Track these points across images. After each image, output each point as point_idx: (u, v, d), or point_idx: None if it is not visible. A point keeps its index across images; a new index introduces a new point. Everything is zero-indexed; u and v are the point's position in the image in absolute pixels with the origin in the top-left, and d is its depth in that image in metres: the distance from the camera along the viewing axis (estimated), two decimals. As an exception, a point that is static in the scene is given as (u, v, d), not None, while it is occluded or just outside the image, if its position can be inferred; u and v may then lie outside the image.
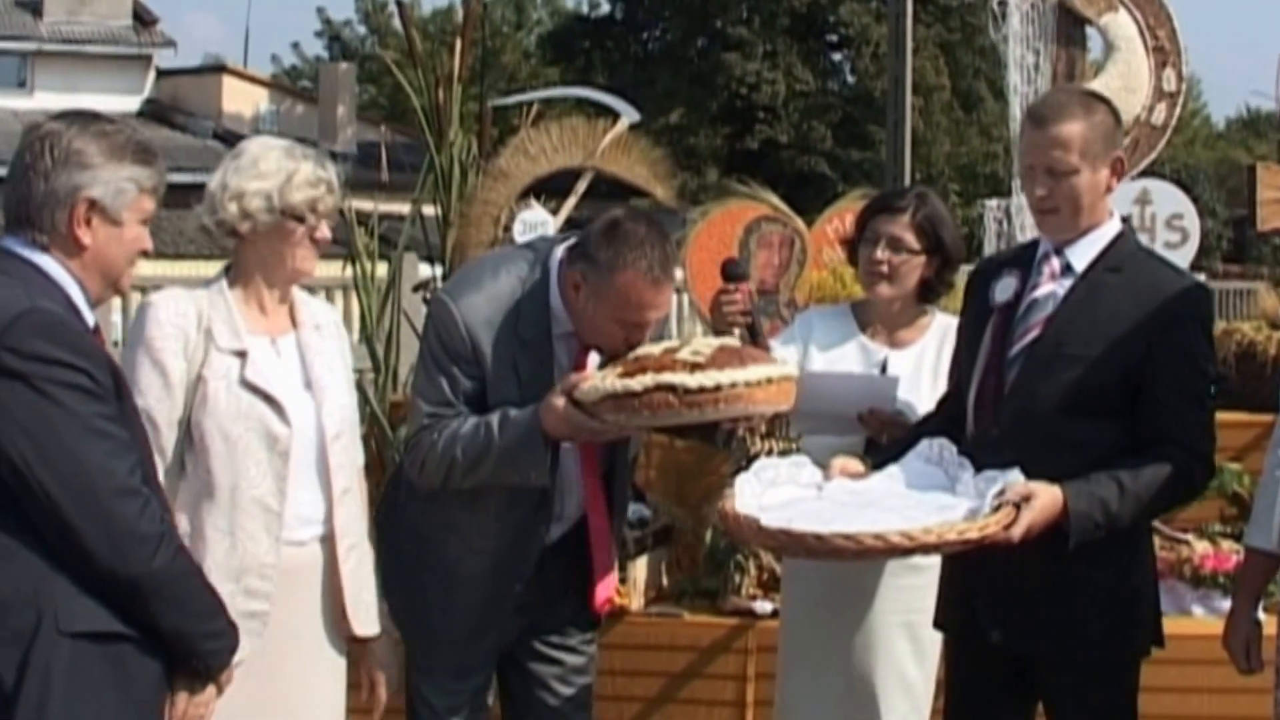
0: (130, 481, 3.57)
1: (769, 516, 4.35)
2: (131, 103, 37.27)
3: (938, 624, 4.92)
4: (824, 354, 5.28)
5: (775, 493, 4.52)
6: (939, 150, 40.44)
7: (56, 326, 3.55)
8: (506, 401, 4.64)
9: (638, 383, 4.41)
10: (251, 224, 4.34)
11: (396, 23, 41.66)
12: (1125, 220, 4.81)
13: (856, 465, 4.71)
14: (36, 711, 3.52)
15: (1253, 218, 8.10)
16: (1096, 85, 7.84)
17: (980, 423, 4.63)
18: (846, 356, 5.28)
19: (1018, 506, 4.25)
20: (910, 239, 5.16)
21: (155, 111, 37.02)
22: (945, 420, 4.78)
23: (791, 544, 4.35)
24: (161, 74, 38.95)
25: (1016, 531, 4.23)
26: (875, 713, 5.24)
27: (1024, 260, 4.74)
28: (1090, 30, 8.28)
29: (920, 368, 5.23)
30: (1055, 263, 4.61)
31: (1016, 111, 8.23)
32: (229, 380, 4.28)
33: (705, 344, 4.59)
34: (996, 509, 4.25)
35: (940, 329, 5.28)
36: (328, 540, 4.45)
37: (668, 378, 4.39)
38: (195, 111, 36.76)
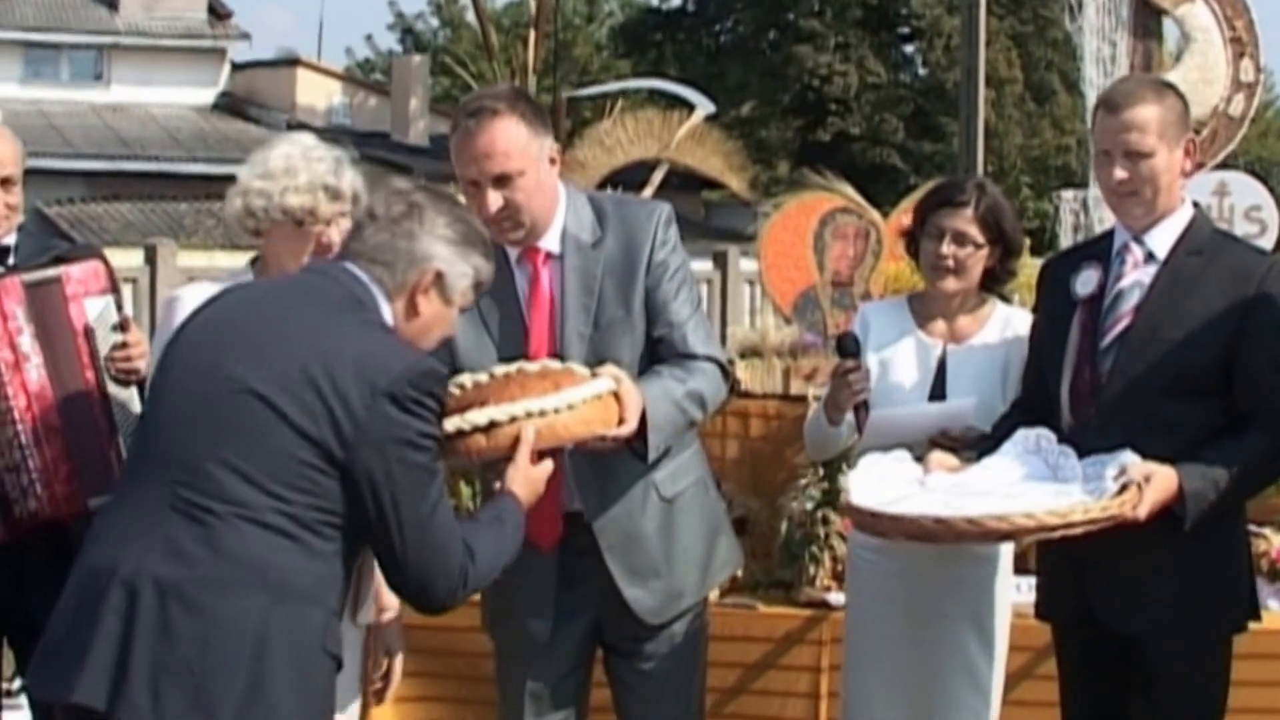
0: (459, 543, 3.80)
1: (891, 508, 4.43)
2: (206, 96, 37.48)
3: (1041, 614, 4.97)
4: (878, 353, 5.24)
5: (885, 489, 4.56)
6: (1011, 143, 40.24)
7: (439, 379, 3.82)
8: (478, 340, 4.61)
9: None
10: (255, 222, 4.41)
11: (469, 16, 41.81)
12: (1196, 205, 4.83)
13: (952, 460, 4.75)
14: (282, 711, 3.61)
15: (1325, 211, 8.05)
16: (1173, 76, 7.79)
17: (1078, 414, 4.69)
18: (901, 354, 5.25)
19: (1140, 486, 4.33)
20: (975, 232, 5.14)
21: (229, 104, 37.23)
22: (1028, 417, 4.80)
23: (915, 530, 4.41)
24: (236, 67, 39.09)
25: (1142, 510, 4.32)
26: (944, 707, 5.24)
27: (1101, 252, 4.81)
28: (1166, 21, 8.23)
29: (982, 359, 5.21)
30: (1137, 251, 4.68)
31: (1092, 101, 8.19)
32: None
33: (502, 371, 4.30)
34: (1121, 489, 4.32)
35: (1001, 319, 5.26)
36: None
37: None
38: (269, 104, 36.90)
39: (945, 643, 5.21)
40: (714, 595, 6.46)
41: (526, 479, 4.07)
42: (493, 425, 4.08)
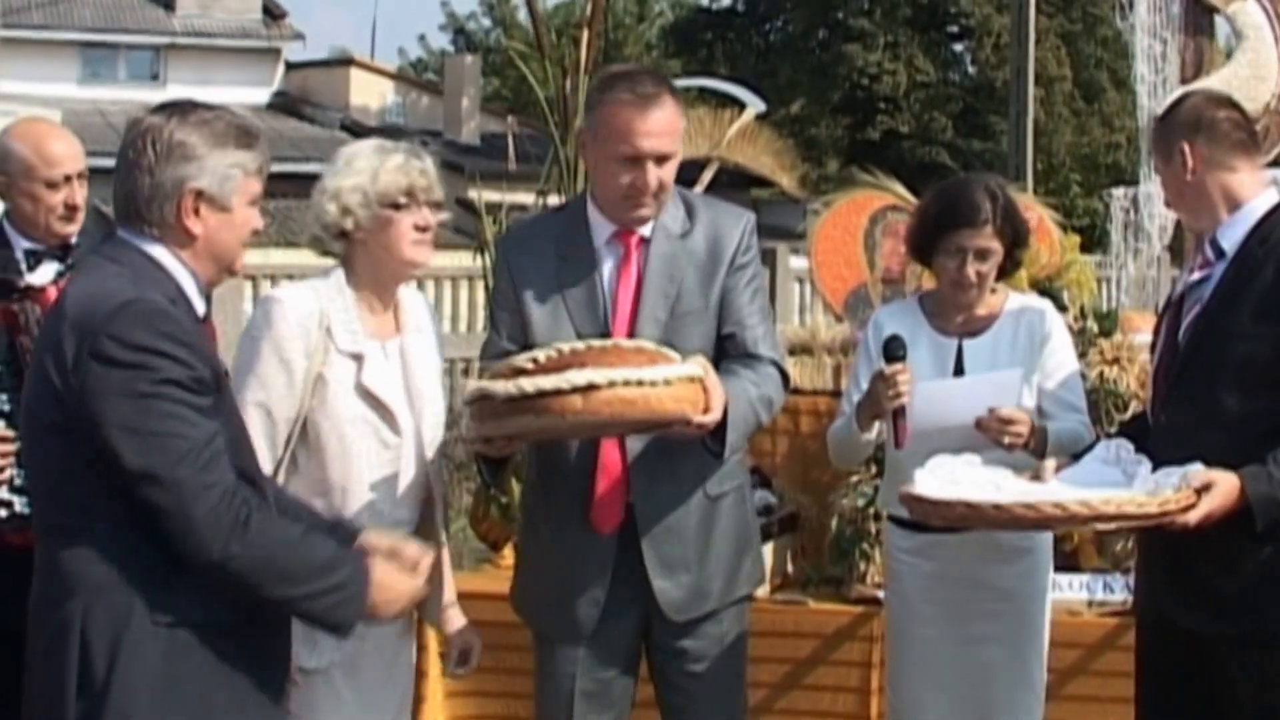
0: (218, 473, 3.59)
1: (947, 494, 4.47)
2: (261, 95, 37.61)
3: (1134, 613, 5.06)
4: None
5: (954, 490, 4.55)
6: (1060, 141, 40.06)
7: (158, 317, 3.57)
8: (552, 318, 4.68)
9: (468, 393, 4.34)
10: (353, 219, 4.38)
11: (520, 15, 41.87)
12: None
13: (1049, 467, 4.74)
14: (123, 708, 3.57)
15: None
16: (1225, 74, 7.79)
17: (1156, 411, 4.73)
18: (918, 354, 5.19)
19: (1199, 493, 4.30)
20: (995, 245, 5.16)
21: (284, 103, 37.35)
22: (1143, 421, 4.86)
23: (971, 515, 4.44)
24: (290, 67, 39.25)
25: (1194, 516, 4.31)
26: (997, 706, 5.24)
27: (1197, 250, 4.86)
28: (1218, 19, 8.19)
29: (997, 349, 5.21)
30: (1208, 249, 4.70)
31: (1144, 100, 8.17)
32: (346, 384, 4.32)
33: (585, 345, 4.35)
34: (1178, 491, 4.31)
35: (1016, 308, 5.28)
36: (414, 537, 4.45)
37: (487, 385, 4.26)
38: (323, 103, 37.03)
39: (991, 642, 5.21)
40: (764, 591, 6.48)
41: (389, 579, 3.89)
42: (591, 387, 4.10)
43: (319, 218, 4.40)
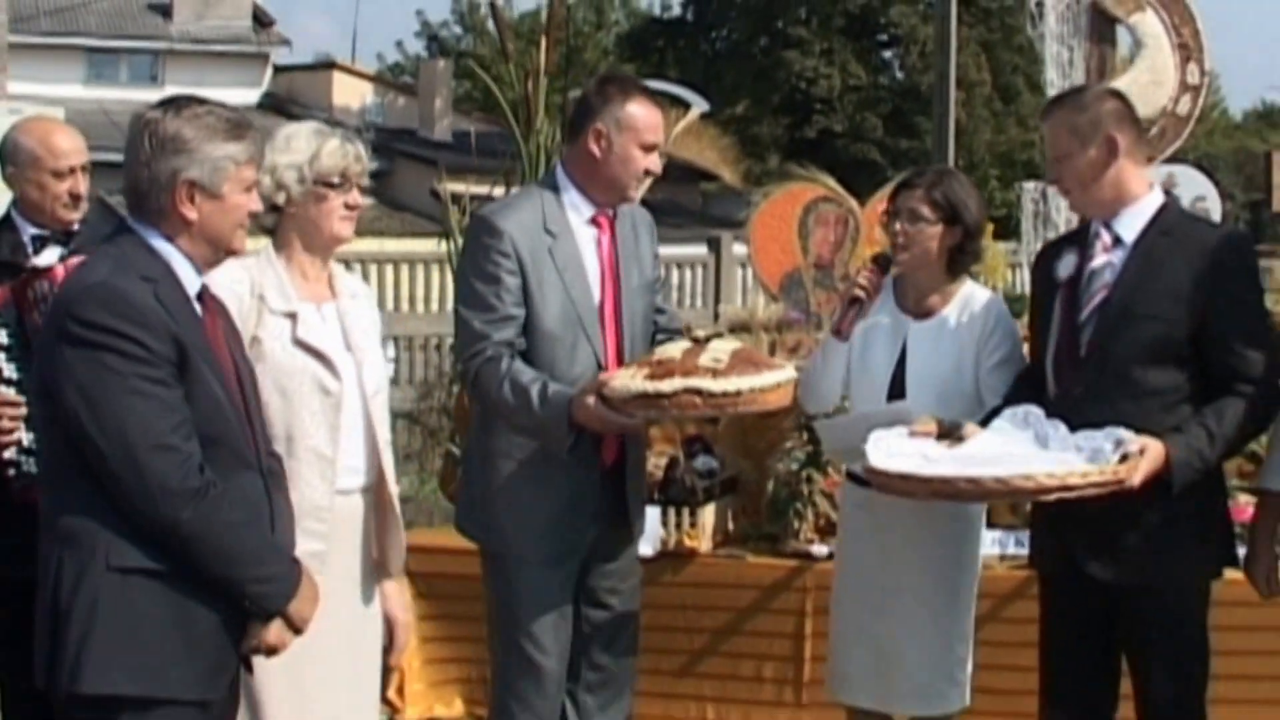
0: (169, 439, 3.58)
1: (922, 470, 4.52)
2: (251, 96, 37.33)
3: (1033, 564, 5.09)
4: (862, 322, 5.25)
5: (898, 463, 4.58)
6: (980, 140, 40.11)
7: (116, 299, 3.58)
8: (551, 290, 4.85)
9: (668, 385, 4.57)
10: (285, 194, 4.36)
11: (490, 24, 41.64)
12: (1168, 193, 4.90)
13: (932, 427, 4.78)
14: (80, 639, 3.58)
15: (1269, 200, 8.06)
16: (1126, 79, 7.80)
17: (1061, 382, 4.74)
18: (879, 326, 5.24)
19: (1136, 457, 4.39)
20: (925, 210, 5.12)
21: (272, 104, 37.06)
22: (1028, 389, 4.85)
23: (946, 489, 4.47)
24: (278, 70, 39.02)
25: (1137, 479, 4.38)
26: (918, 645, 5.24)
27: (1080, 239, 4.90)
28: (1120, 28, 8.20)
29: (939, 338, 5.18)
30: (1105, 236, 4.75)
31: (1052, 101, 8.18)
32: (283, 340, 4.29)
33: (722, 349, 4.73)
34: (1122, 459, 4.38)
35: (964, 298, 5.23)
36: (369, 490, 4.46)
37: (695, 382, 4.56)
38: (308, 104, 36.71)
39: (923, 579, 5.20)
40: (707, 547, 6.50)
41: (310, 589, 3.88)
42: (754, 391, 4.64)
43: (262, 188, 4.30)
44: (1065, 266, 4.83)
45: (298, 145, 4.39)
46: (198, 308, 3.79)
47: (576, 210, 4.96)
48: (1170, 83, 7.93)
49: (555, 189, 4.97)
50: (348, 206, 4.43)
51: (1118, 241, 4.72)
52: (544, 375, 4.78)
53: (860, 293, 5.13)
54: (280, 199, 4.37)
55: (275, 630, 3.81)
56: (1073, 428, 4.54)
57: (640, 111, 4.89)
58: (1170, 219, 4.73)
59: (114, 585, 3.59)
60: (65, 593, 3.60)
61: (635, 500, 5.12)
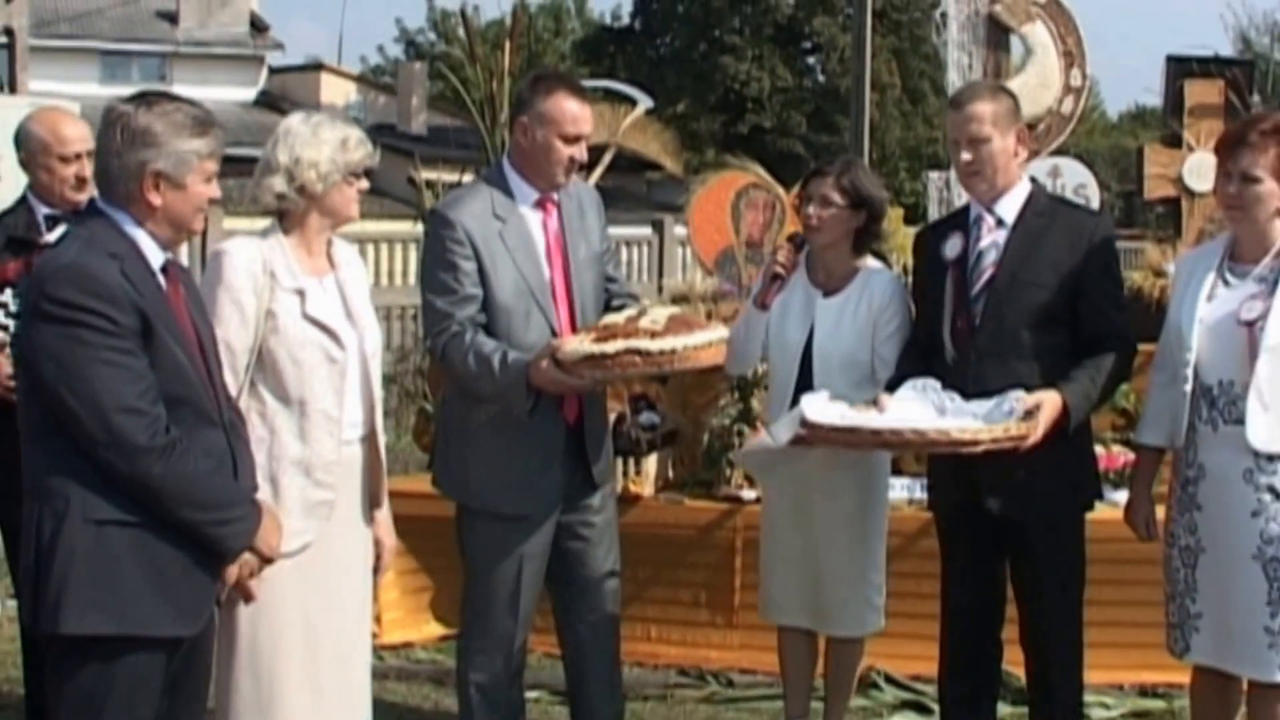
0: (136, 403, 3.54)
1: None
2: (248, 94, 37.18)
3: (932, 506, 5.13)
4: (780, 295, 5.26)
5: (838, 419, 4.64)
6: (891, 136, 40.17)
7: (84, 278, 3.53)
8: (503, 268, 4.81)
9: (611, 347, 4.54)
10: (324, 184, 4.29)
11: (461, 31, 41.45)
12: (1034, 180, 5.02)
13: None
14: (60, 585, 3.54)
15: (1140, 188, 8.09)
16: (1018, 81, 7.81)
17: (959, 349, 4.77)
18: (796, 299, 5.25)
19: (1032, 413, 4.48)
20: (835, 196, 5.12)
21: (267, 101, 36.89)
22: (920, 360, 4.87)
23: (895, 440, 4.56)
24: (272, 71, 38.83)
25: (1038, 433, 4.48)
26: (839, 574, 5.27)
27: (961, 222, 4.94)
28: (1013, 37, 8.22)
29: (842, 313, 5.18)
30: (989, 219, 4.81)
31: (952, 104, 8.18)
32: (294, 315, 4.24)
33: (660, 314, 4.72)
34: (1025, 416, 4.47)
35: (864, 276, 5.22)
36: (366, 439, 4.44)
37: (635, 343, 4.53)
38: (299, 101, 36.33)
39: (839, 520, 5.23)
40: (649, 491, 6.51)
41: (271, 523, 3.90)
42: (688, 349, 4.56)
43: (294, 181, 4.27)
44: (951, 248, 4.85)
45: (325, 137, 4.31)
46: (162, 281, 3.73)
47: (522, 195, 4.89)
48: (1056, 85, 7.94)
49: (503, 178, 4.92)
50: (360, 191, 4.40)
51: (1000, 223, 4.78)
52: (504, 345, 4.74)
53: (779, 269, 5.15)
54: (319, 189, 4.29)
55: (239, 567, 3.82)
56: (971, 389, 4.61)
57: (560, 106, 4.78)
58: (1040, 202, 4.84)
59: (90, 536, 3.55)
60: (45, 543, 3.55)
61: (596, 453, 5.03)
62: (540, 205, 4.93)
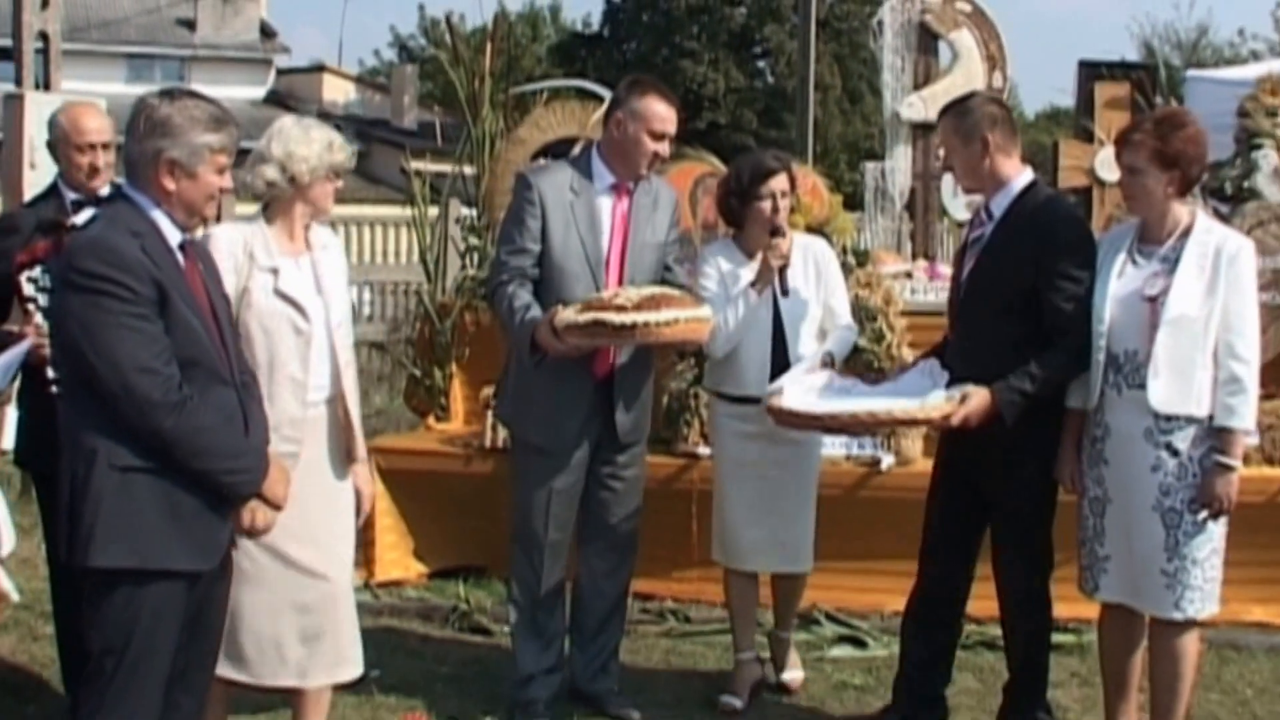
0: (151, 363, 3.53)
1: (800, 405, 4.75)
2: (258, 93, 36.97)
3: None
4: (729, 276, 5.27)
5: (810, 397, 4.83)
6: (833, 131, 40.20)
7: (107, 251, 3.54)
8: (567, 234, 4.95)
9: (583, 318, 4.64)
10: (311, 177, 4.31)
11: (448, 36, 41.25)
12: (1037, 179, 4.88)
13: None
14: (90, 524, 3.55)
15: (1055, 180, 8.07)
16: (945, 83, 7.84)
17: (953, 330, 4.90)
18: (742, 278, 5.24)
19: (960, 402, 4.55)
20: (789, 187, 5.25)
21: (275, 99, 36.67)
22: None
23: (815, 424, 4.76)
24: (280, 72, 38.63)
25: (955, 419, 4.54)
26: (792, 514, 5.32)
27: (976, 216, 4.93)
28: (941, 43, 8.20)
29: (799, 274, 5.27)
30: (983, 213, 4.82)
31: (888, 100, 8.20)
32: (266, 290, 4.26)
33: (637, 293, 4.74)
34: (963, 400, 4.57)
35: (802, 245, 5.31)
36: (332, 401, 4.42)
37: (601, 315, 4.61)
38: (304, 99, 36.37)
39: (784, 478, 5.30)
40: (616, 448, 6.44)
41: (279, 473, 3.88)
42: (671, 322, 4.63)
43: (286, 171, 4.31)
44: (963, 240, 4.95)
45: (316, 136, 4.36)
46: (179, 257, 3.73)
47: (600, 179, 5.03)
48: (980, 86, 7.92)
49: (588, 163, 5.07)
50: (336, 189, 4.43)
51: (990, 216, 4.77)
52: (534, 302, 4.88)
53: (783, 263, 5.14)
54: (306, 180, 4.33)
55: (250, 511, 3.83)
56: (955, 373, 4.71)
57: (652, 106, 4.95)
58: (1030, 199, 4.75)
59: (114, 481, 3.56)
60: (78, 487, 3.57)
61: (624, 409, 5.10)
62: (615, 190, 5.03)
